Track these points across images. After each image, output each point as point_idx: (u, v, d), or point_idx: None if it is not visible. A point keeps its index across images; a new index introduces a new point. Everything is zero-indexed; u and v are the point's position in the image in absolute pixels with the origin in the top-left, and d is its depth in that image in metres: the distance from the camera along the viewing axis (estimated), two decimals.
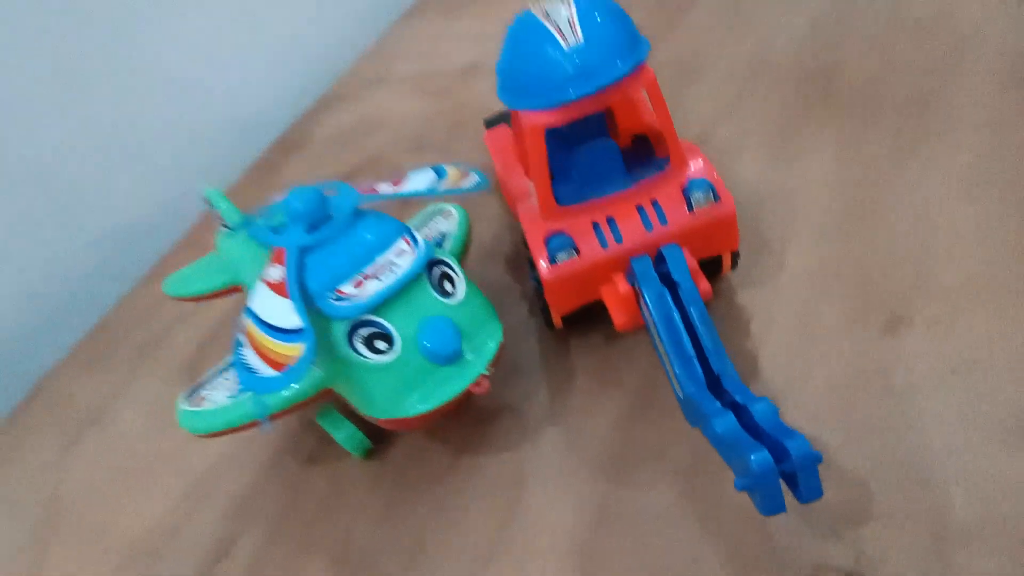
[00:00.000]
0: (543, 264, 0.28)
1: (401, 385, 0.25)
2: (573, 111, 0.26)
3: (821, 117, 0.38)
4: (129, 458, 0.34)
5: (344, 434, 0.29)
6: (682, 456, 0.26)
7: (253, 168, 0.52)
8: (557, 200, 0.28)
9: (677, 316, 0.25)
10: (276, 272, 0.25)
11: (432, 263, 0.27)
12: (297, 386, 0.26)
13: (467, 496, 0.27)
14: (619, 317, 0.28)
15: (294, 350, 0.23)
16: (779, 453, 0.20)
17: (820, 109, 0.38)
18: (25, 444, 0.37)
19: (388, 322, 0.25)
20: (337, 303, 0.25)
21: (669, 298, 0.26)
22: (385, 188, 0.30)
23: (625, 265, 0.28)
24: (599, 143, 0.29)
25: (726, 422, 0.21)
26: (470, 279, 0.28)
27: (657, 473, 0.26)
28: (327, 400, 0.28)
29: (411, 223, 0.33)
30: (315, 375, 0.26)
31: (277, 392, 0.25)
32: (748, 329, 0.29)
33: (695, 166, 0.28)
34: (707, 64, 0.45)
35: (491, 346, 0.26)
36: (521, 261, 0.36)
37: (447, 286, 0.27)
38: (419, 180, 0.30)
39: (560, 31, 0.25)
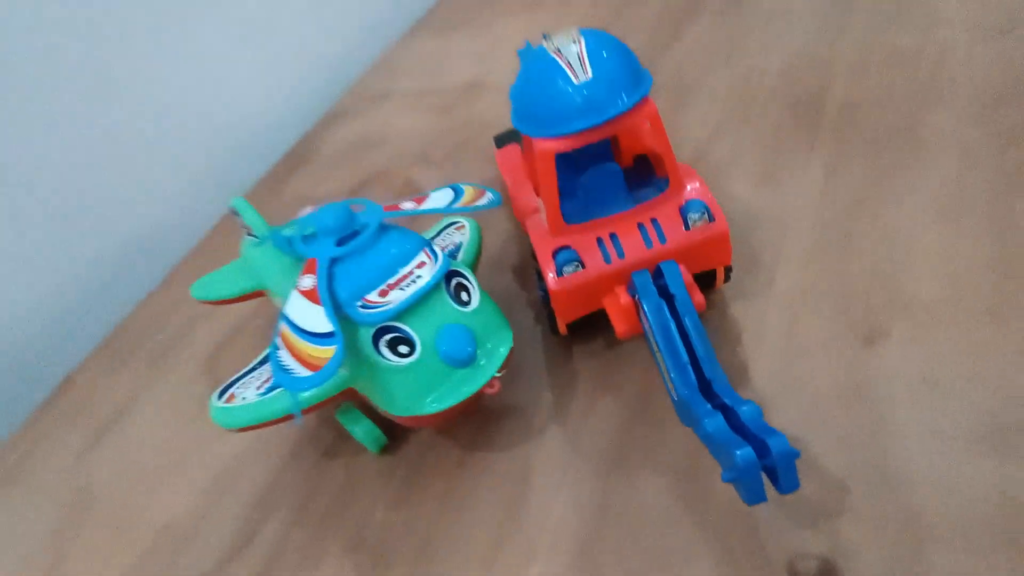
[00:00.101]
0: (551, 276, 0.28)
1: (420, 386, 0.26)
2: (581, 140, 0.26)
3: (809, 140, 0.38)
4: (153, 452, 0.34)
5: (362, 430, 0.30)
6: (677, 455, 0.27)
7: (261, 181, 0.52)
8: (565, 218, 0.29)
9: (673, 326, 0.26)
10: (308, 281, 0.26)
11: (450, 274, 0.27)
12: (327, 384, 0.27)
13: (475, 490, 0.28)
14: (620, 326, 0.28)
15: (326, 352, 0.24)
16: (762, 450, 0.21)
17: (808, 132, 0.39)
18: (53, 437, 0.37)
19: (410, 328, 0.26)
20: (364, 310, 0.26)
21: (666, 309, 0.26)
22: (408, 205, 0.31)
23: (626, 278, 0.28)
24: (604, 167, 0.30)
25: (716, 422, 0.22)
26: (482, 288, 0.29)
27: (653, 470, 0.27)
28: (348, 398, 0.29)
29: (427, 235, 0.34)
30: (341, 375, 0.27)
31: (310, 390, 0.26)
32: (739, 338, 0.30)
33: (692, 188, 0.29)
34: (701, 86, 0.45)
35: (502, 351, 0.27)
36: (527, 271, 0.36)
37: (463, 296, 0.27)
38: (439, 198, 0.31)
39: (571, 66, 0.26)
